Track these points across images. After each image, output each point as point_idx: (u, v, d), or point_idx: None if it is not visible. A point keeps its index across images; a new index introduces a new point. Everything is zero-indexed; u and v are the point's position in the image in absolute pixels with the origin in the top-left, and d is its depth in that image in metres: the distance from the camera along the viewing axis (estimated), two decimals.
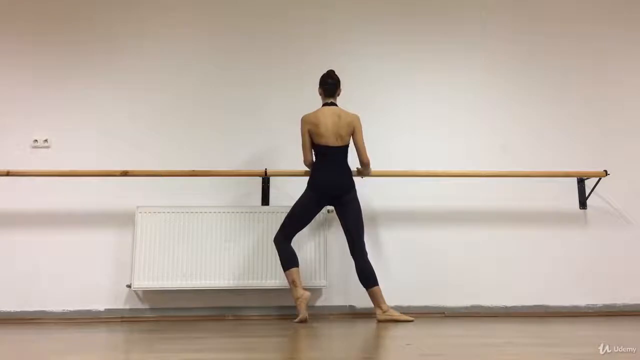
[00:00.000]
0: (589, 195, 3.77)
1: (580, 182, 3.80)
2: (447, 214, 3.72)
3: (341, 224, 3.21)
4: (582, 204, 3.79)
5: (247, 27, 3.95)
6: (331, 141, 3.16)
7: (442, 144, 3.83)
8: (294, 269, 3.11)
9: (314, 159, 3.24)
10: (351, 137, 3.20)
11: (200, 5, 3.98)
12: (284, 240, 3.17)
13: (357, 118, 3.21)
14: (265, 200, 3.62)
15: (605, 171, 3.69)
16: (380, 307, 3.09)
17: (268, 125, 3.79)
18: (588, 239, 3.75)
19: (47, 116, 3.72)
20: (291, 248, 3.17)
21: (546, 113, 3.93)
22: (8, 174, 3.45)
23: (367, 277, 3.10)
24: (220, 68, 3.88)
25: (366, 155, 3.22)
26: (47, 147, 3.68)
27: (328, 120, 3.15)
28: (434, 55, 3.99)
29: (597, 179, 3.71)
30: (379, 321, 3.07)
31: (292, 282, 3.10)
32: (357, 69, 3.87)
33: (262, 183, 3.64)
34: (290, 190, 3.53)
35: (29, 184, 3.55)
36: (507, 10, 4.09)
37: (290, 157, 3.55)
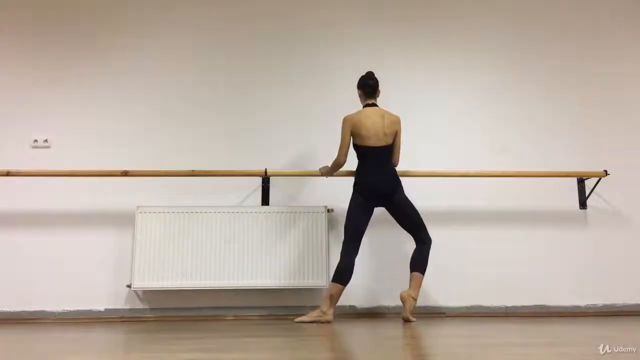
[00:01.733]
0: (589, 195, 3.78)
1: (580, 182, 3.80)
2: (447, 214, 3.72)
3: (398, 223, 3.20)
4: (582, 204, 3.79)
5: (247, 27, 3.95)
6: (374, 141, 3.13)
7: (442, 144, 3.83)
8: (339, 285, 3.04)
9: (357, 161, 3.20)
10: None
11: (200, 6, 3.98)
12: (350, 253, 3.08)
13: (400, 119, 3.22)
14: (265, 200, 3.62)
15: (605, 171, 3.69)
16: (412, 293, 3.06)
17: (268, 125, 3.79)
18: (588, 239, 3.75)
19: (47, 116, 3.72)
20: (350, 263, 3.06)
21: (546, 113, 3.94)
22: (8, 174, 3.45)
23: (415, 260, 3.11)
24: (220, 68, 3.88)
25: (399, 157, 3.24)
26: (47, 147, 3.68)
27: (371, 120, 3.14)
28: (433, 56, 3.99)
29: (597, 179, 3.71)
30: (403, 299, 3.03)
31: (330, 297, 3.04)
32: (357, 69, 3.85)
33: (262, 183, 3.64)
34: (290, 190, 3.53)
35: (29, 184, 3.55)
36: (507, 10, 4.09)
37: (290, 157, 3.56)
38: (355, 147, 3.19)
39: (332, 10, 4.02)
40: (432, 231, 3.65)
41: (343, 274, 3.04)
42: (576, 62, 4.02)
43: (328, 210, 3.52)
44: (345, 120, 3.19)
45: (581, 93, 3.98)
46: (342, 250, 3.10)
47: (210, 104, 3.82)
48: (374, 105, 3.21)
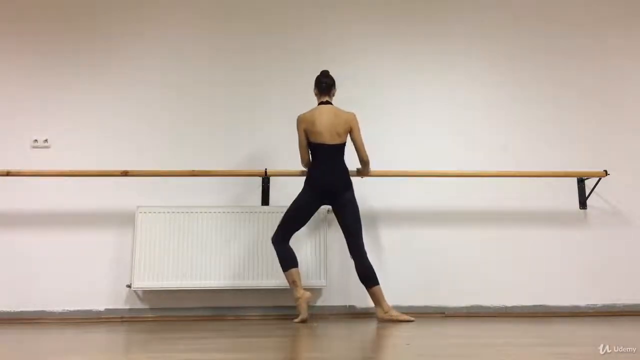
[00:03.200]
0: (589, 195, 3.77)
1: (580, 182, 3.80)
2: (447, 214, 3.72)
3: (339, 223, 3.20)
4: (582, 204, 3.79)
5: (247, 27, 3.95)
6: (327, 139, 3.15)
7: (442, 144, 3.83)
8: (293, 270, 3.10)
9: (311, 158, 3.24)
10: (349, 136, 3.20)
11: (200, 6, 3.98)
12: (282, 240, 3.16)
13: (354, 116, 3.21)
14: (265, 200, 3.62)
15: (605, 171, 3.69)
16: (381, 307, 3.08)
17: (268, 125, 3.79)
18: (588, 239, 3.75)
19: (47, 116, 3.72)
20: (290, 248, 3.16)
21: (546, 113, 3.93)
22: (8, 174, 3.45)
23: (368, 276, 3.09)
24: (220, 68, 3.88)
25: (366, 153, 3.22)
26: (47, 147, 3.68)
27: (324, 118, 3.15)
28: (433, 56, 3.99)
29: (597, 179, 3.71)
30: (380, 321, 3.07)
31: (293, 283, 3.10)
32: (357, 69, 3.87)
33: (262, 183, 3.64)
34: (290, 190, 3.51)
35: (29, 184, 3.55)
36: (507, 9, 4.09)
37: (291, 157, 3.54)
38: (309, 144, 3.20)
39: (332, 10, 4.02)
40: (432, 231, 3.66)
41: (291, 259, 3.11)
42: (576, 62, 4.02)
43: (328, 211, 3.52)
44: (298, 120, 3.22)
45: (581, 93, 3.98)
46: (277, 237, 3.15)
47: (210, 104, 3.82)
48: (328, 103, 3.22)
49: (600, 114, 3.95)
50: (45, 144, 3.68)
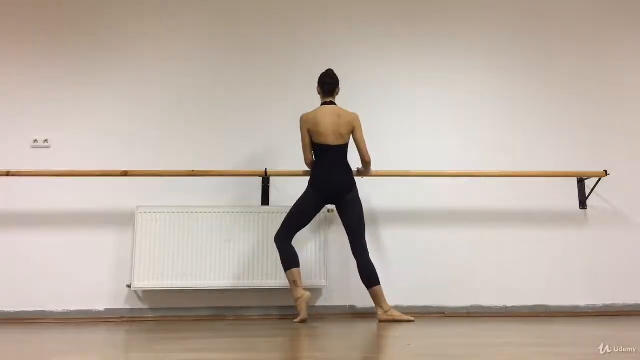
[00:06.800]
0: (589, 195, 3.78)
1: (580, 182, 3.80)
2: (447, 214, 3.72)
3: (342, 223, 3.20)
4: (582, 204, 3.79)
5: (247, 27, 3.95)
6: (331, 140, 3.15)
7: (442, 144, 3.83)
8: (295, 269, 3.10)
9: (314, 159, 3.24)
10: (351, 136, 3.20)
11: (200, 5, 3.97)
12: (285, 239, 3.16)
13: (357, 117, 3.21)
14: (265, 200, 3.62)
15: (605, 171, 3.69)
16: (382, 307, 3.08)
17: (268, 125, 3.79)
18: (588, 239, 3.75)
19: (47, 116, 3.72)
20: (292, 248, 3.15)
21: (546, 113, 3.94)
22: (8, 174, 3.45)
23: (369, 276, 3.09)
24: (220, 68, 3.88)
25: (368, 153, 3.22)
26: (47, 147, 3.68)
27: (327, 119, 3.15)
28: (433, 56, 3.99)
29: (597, 179, 3.71)
30: (380, 321, 3.07)
31: (293, 282, 3.10)
32: (358, 69, 3.87)
33: (262, 183, 3.64)
34: (290, 190, 3.53)
35: (29, 184, 3.55)
36: (507, 10, 4.09)
37: (291, 157, 3.56)
38: (313, 144, 3.20)
39: (333, 9, 4.02)
40: (432, 231, 3.66)
41: (293, 259, 3.10)
42: (576, 62, 4.02)
43: (328, 211, 3.52)
44: (301, 120, 3.21)
45: (581, 93, 3.98)
46: (280, 236, 3.14)
47: (210, 104, 3.82)
48: (332, 103, 3.22)
49: (600, 114, 3.95)
50: (45, 144, 3.68)
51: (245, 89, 3.85)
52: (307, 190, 3.20)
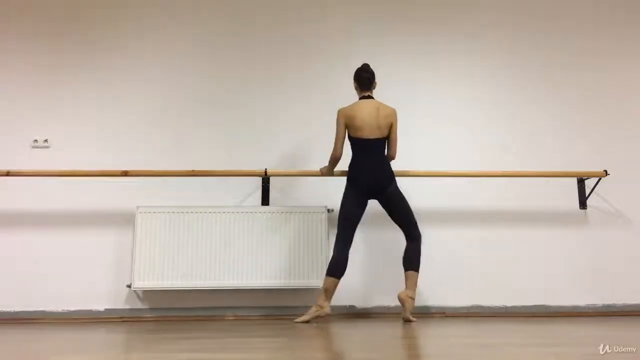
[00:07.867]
0: (589, 195, 3.77)
1: (580, 182, 3.80)
2: (447, 214, 3.72)
3: (390, 216, 3.17)
4: (582, 204, 3.79)
5: (247, 27, 3.95)
6: (368, 133, 3.13)
7: (442, 144, 3.83)
8: (331, 279, 3.03)
9: (352, 154, 3.18)
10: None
11: (199, 5, 3.97)
12: (343, 247, 3.07)
13: (395, 112, 3.21)
14: (265, 200, 3.62)
15: (605, 171, 3.69)
16: (409, 289, 3.05)
17: (268, 125, 3.79)
18: (588, 239, 3.75)
19: (47, 116, 3.72)
20: (342, 257, 3.05)
21: (546, 113, 3.94)
22: (8, 174, 3.45)
23: (411, 259, 3.09)
24: (220, 68, 3.88)
25: (396, 151, 3.22)
26: (47, 147, 3.68)
27: (365, 112, 3.13)
28: (434, 55, 3.99)
29: (597, 179, 3.71)
30: (399, 299, 3.04)
31: (325, 290, 3.04)
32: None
33: (262, 183, 3.64)
34: (290, 190, 3.53)
35: (29, 184, 3.54)
36: (508, 10, 4.09)
37: (291, 157, 3.56)
38: (350, 138, 3.19)
39: (333, 9, 4.02)
40: (432, 231, 3.65)
41: (337, 267, 3.04)
42: (576, 62, 4.02)
43: (328, 210, 3.52)
44: (339, 113, 3.19)
45: (582, 93, 3.98)
46: (335, 243, 3.10)
47: (210, 104, 3.82)
48: (370, 97, 3.21)
49: (601, 114, 3.95)
50: (45, 144, 3.68)
51: (245, 88, 3.85)
52: (346, 191, 3.14)
